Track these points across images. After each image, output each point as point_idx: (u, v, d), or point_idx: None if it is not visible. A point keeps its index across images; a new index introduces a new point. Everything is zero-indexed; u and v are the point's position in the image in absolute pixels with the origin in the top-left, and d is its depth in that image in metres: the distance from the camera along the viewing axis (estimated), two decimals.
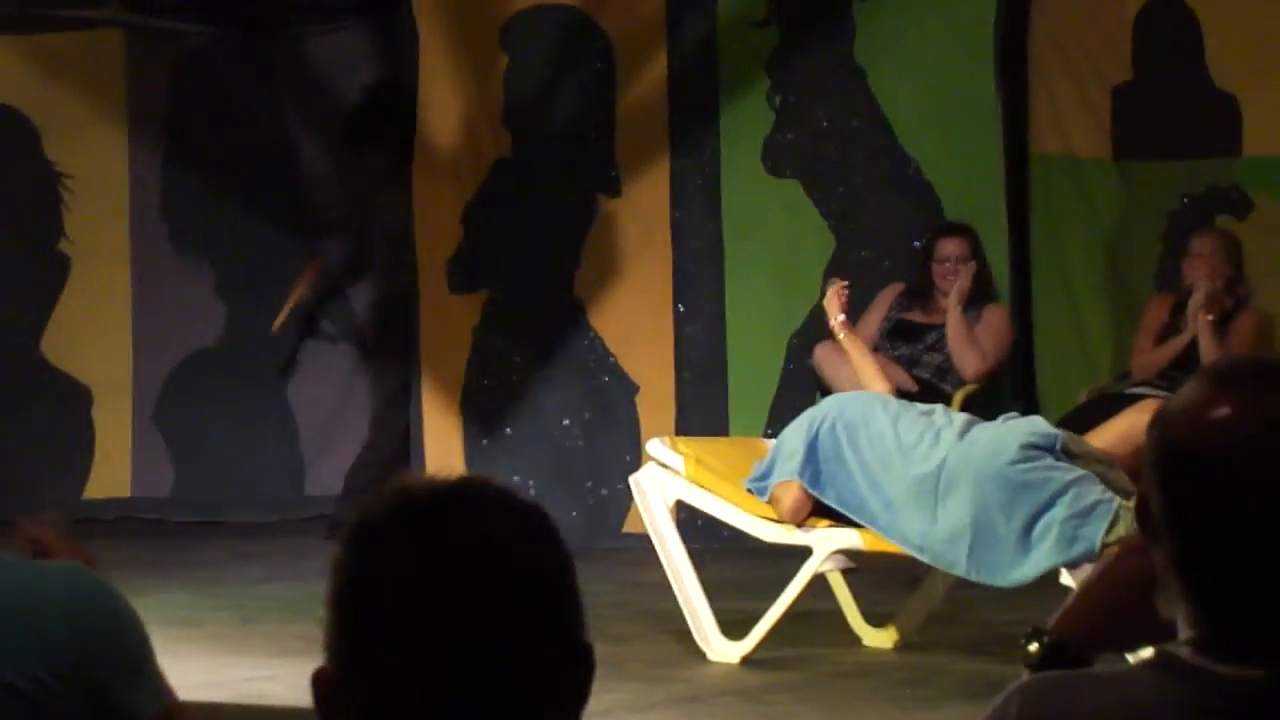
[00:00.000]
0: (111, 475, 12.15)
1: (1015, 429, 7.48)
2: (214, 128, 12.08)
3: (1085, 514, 7.11)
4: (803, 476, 7.67)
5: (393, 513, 2.12)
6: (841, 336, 8.76)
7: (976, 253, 10.39)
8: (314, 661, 2.15)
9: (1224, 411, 2.42)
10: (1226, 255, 10.15)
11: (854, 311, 10.45)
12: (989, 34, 10.77)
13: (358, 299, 12.16)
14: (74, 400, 12.15)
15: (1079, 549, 7.06)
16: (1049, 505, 7.18)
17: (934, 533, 7.42)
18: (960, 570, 7.45)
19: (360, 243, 12.08)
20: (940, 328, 10.25)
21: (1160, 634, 2.53)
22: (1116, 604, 2.62)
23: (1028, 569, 7.23)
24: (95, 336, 12.14)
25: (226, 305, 12.14)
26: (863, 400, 8.04)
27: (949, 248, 10.33)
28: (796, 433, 7.83)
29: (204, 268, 12.16)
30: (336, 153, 12.10)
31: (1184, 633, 2.45)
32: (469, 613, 2.07)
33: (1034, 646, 2.62)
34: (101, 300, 12.14)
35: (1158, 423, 2.48)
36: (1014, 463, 7.29)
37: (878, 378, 8.53)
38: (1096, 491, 7.15)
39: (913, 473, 7.49)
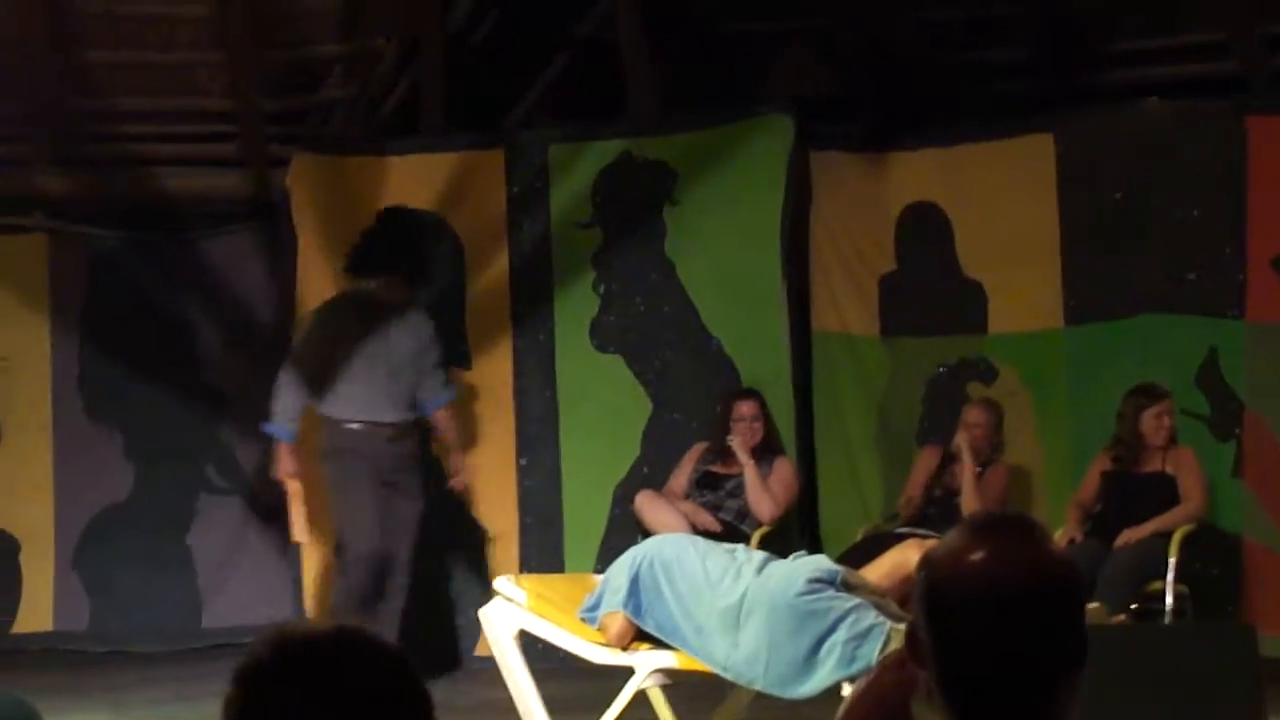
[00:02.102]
0: (36, 612, 11.95)
1: (803, 565, 7.46)
2: (124, 316, 12.00)
3: (862, 636, 7.10)
4: (627, 607, 7.61)
5: (274, 658, 2.10)
6: None
7: (764, 413, 10.45)
8: None
9: (978, 557, 2.43)
10: (994, 423, 10.25)
11: (668, 467, 10.52)
12: (776, 232, 10.85)
13: (245, 459, 12.04)
14: (3, 549, 11.96)
15: (858, 666, 7.04)
16: (831, 629, 7.16)
17: (736, 654, 7.37)
18: (759, 686, 7.41)
19: (249, 411, 11.98)
20: (737, 477, 10.28)
21: None
22: (878, 714, 2.61)
23: (814, 684, 7.19)
24: (22, 494, 11.97)
25: (135, 467, 12.00)
26: (676, 541, 8.02)
27: (744, 409, 10.39)
28: (621, 569, 7.77)
29: (116, 435, 12.02)
30: (228, 334, 12.03)
31: None
32: None
33: None
34: (27, 463, 11.99)
35: (925, 565, 2.49)
36: (801, 594, 7.27)
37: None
38: (871, 617, 7.15)
39: (719, 604, 7.45)
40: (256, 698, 2.09)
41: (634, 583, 7.64)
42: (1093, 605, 8.66)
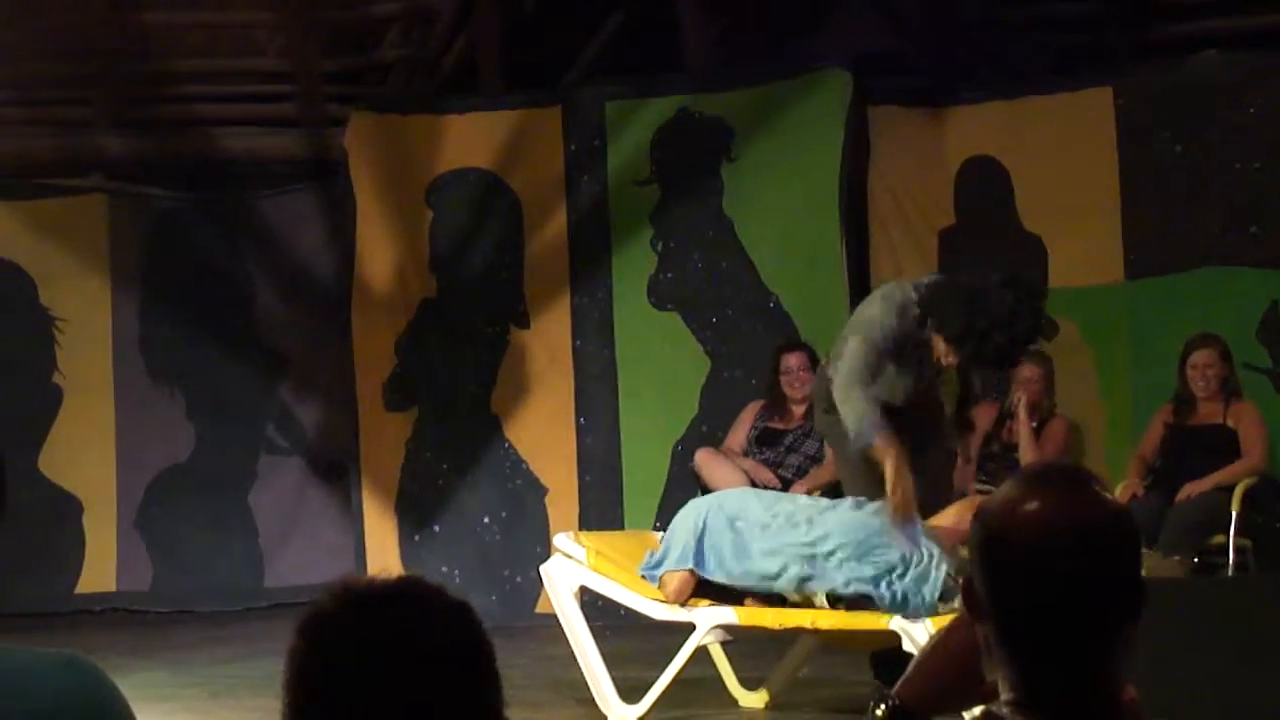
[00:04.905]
0: (99, 573, 12.03)
1: (872, 506, 7.54)
2: (184, 276, 12.06)
3: (922, 579, 7.20)
4: (694, 563, 7.64)
5: (338, 610, 2.12)
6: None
7: (814, 364, 10.44)
8: None
9: (1032, 506, 2.42)
10: (1047, 376, 10.22)
11: (726, 424, 10.51)
12: (835, 187, 10.84)
13: (306, 418, 12.12)
14: (67, 509, 12.04)
15: (914, 605, 7.15)
16: (894, 567, 7.25)
17: (815, 569, 7.42)
18: (839, 585, 7.41)
19: (309, 371, 12.06)
20: (794, 430, 10.27)
21: (986, 696, 2.53)
22: (948, 672, 2.62)
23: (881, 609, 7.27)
24: (84, 455, 12.04)
25: (196, 427, 12.08)
26: (738, 494, 8.08)
27: (791, 360, 10.35)
28: (685, 528, 7.76)
29: (177, 395, 12.10)
30: (287, 294, 12.10)
31: (1005, 694, 2.45)
32: (404, 697, 2.07)
33: (880, 710, 2.61)
34: (89, 424, 12.06)
35: (979, 515, 2.49)
36: (873, 514, 7.40)
37: None
38: (934, 563, 7.24)
39: (790, 538, 7.50)
40: (321, 648, 2.12)
41: (700, 539, 7.67)
42: (1149, 552, 8.68)
